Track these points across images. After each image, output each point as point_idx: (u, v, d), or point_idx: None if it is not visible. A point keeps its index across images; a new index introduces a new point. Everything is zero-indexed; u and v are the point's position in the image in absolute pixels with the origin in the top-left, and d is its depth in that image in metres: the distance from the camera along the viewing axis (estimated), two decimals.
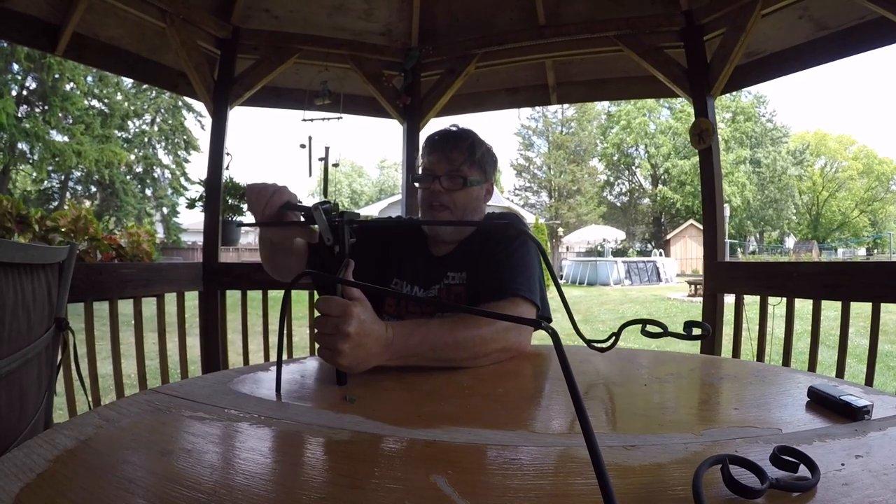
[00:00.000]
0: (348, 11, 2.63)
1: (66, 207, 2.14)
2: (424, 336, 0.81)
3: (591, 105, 31.28)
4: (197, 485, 0.42)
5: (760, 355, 2.01)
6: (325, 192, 3.27)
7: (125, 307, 2.05)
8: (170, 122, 21.92)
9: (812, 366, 1.84)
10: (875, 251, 32.64)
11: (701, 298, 2.34)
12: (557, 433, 0.56)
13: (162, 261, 3.02)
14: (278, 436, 0.55)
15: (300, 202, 0.89)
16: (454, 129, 1.17)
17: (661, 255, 21.51)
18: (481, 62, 2.68)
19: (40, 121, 16.63)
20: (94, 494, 0.40)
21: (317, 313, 0.72)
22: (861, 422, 0.56)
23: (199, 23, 2.34)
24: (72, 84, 17.66)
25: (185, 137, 22.26)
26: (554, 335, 0.40)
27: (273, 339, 2.55)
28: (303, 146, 3.04)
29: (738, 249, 29.68)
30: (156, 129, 21.86)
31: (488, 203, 1.22)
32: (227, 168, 2.53)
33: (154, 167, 21.89)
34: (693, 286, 11.66)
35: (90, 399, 1.60)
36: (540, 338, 0.85)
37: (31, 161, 17.21)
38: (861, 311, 1.78)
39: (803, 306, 1.95)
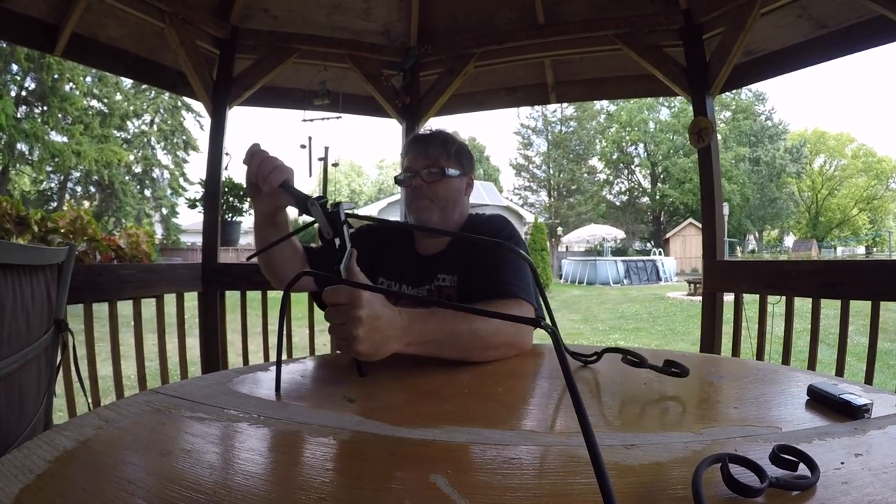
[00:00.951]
0: (347, 11, 2.63)
1: (65, 208, 2.14)
2: (441, 322, 0.81)
3: (590, 104, 31.28)
4: (197, 485, 0.42)
5: (760, 354, 2.01)
6: (324, 192, 3.27)
7: (124, 308, 2.05)
8: (169, 122, 21.90)
9: (812, 364, 1.84)
10: (874, 249, 32.70)
11: (700, 297, 2.34)
12: (557, 432, 0.56)
13: (161, 261, 3.02)
14: (278, 436, 0.55)
15: (294, 189, 0.88)
16: (428, 130, 1.27)
17: (660, 253, 21.50)
18: (480, 61, 2.68)
19: (39, 121, 16.62)
20: (93, 495, 0.40)
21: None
22: (861, 420, 0.56)
23: (198, 23, 2.34)
24: (71, 84, 17.66)
25: (184, 138, 22.24)
26: (554, 335, 0.40)
27: (273, 340, 2.55)
28: (303, 146, 3.04)
29: (738, 248, 29.71)
30: (155, 129, 21.85)
31: (469, 195, 1.27)
32: (226, 168, 2.53)
33: (153, 167, 21.88)
34: (692, 285, 11.68)
35: (90, 400, 1.59)
36: (539, 337, 0.85)
37: (30, 162, 17.20)
38: (861, 309, 1.78)
39: (803, 305, 1.95)
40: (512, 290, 0.99)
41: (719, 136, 2.51)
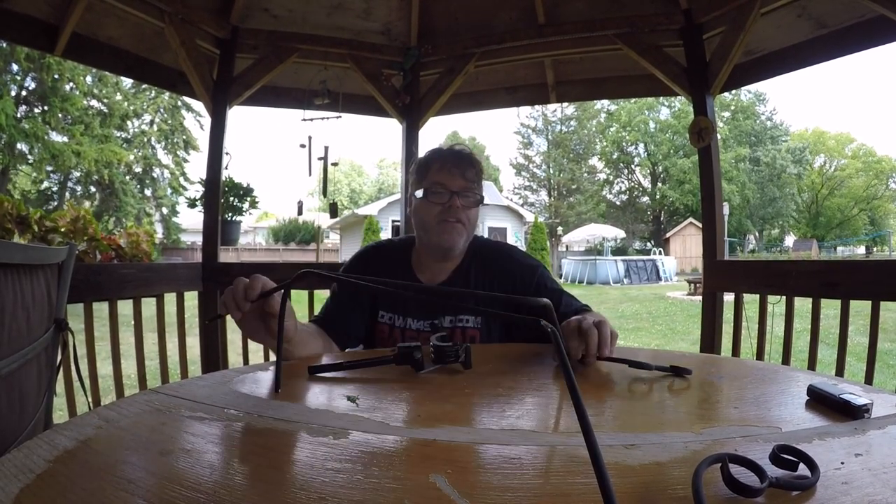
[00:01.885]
0: (347, 11, 2.63)
1: (65, 208, 2.14)
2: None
3: (590, 103, 31.24)
4: (197, 485, 0.42)
5: (760, 354, 2.01)
6: (324, 192, 3.26)
7: (125, 307, 2.05)
8: (169, 122, 21.90)
9: (812, 364, 1.84)
10: (874, 249, 32.69)
11: (700, 297, 2.34)
12: (557, 432, 0.56)
13: (161, 261, 3.02)
14: (278, 435, 0.55)
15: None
16: (463, 149, 1.20)
17: (660, 253, 21.50)
18: (480, 61, 2.68)
19: (40, 121, 16.62)
20: (93, 495, 0.40)
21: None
22: (861, 420, 0.56)
23: (198, 22, 2.33)
24: (71, 84, 17.66)
25: (184, 137, 22.24)
26: (554, 334, 0.40)
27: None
28: (303, 146, 3.03)
29: (738, 248, 29.71)
30: (155, 129, 21.84)
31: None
32: (226, 168, 2.53)
33: (153, 167, 21.88)
34: (692, 285, 11.67)
35: (90, 399, 1.59)
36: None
37: (30, 161, 17.21)
38: (861, 309, 1.78)
39: (803, 304, 1.95)
40: (580, 305, 1.08)
41: (719, 137, 2.51)
